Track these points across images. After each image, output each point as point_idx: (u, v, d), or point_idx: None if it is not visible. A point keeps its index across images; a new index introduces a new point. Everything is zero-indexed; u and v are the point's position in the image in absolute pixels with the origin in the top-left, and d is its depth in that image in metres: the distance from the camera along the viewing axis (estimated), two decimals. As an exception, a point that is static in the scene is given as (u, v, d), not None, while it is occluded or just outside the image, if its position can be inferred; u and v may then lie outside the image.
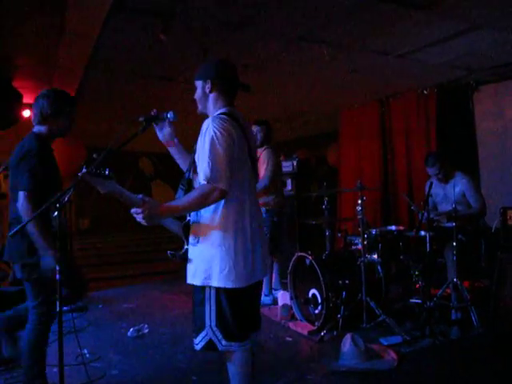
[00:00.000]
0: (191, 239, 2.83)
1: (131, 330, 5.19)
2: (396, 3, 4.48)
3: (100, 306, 6.56)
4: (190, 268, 2.83)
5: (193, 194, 2.66)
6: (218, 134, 2.63)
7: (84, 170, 2.60)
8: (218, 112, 2.82)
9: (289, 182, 7.80)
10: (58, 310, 2.71)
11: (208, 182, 2.60)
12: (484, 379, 3.80)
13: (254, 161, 2.97)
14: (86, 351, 4.55)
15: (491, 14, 4.75)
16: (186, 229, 2.87)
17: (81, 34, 5.24)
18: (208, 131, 2.66)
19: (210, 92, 2.87)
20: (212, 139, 2.63)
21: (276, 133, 11.75)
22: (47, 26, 5.07)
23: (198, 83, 2.93)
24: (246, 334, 2.90)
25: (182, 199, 2.75)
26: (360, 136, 8.92)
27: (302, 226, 7.73)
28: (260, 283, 3.03)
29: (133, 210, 2.58)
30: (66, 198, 2.77)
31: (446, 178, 5.61)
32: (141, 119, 2.91)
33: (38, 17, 4.84)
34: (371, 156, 8.65)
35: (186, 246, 2.88)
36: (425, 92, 7.60)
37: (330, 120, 9.53)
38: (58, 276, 3.15)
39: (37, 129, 3.51)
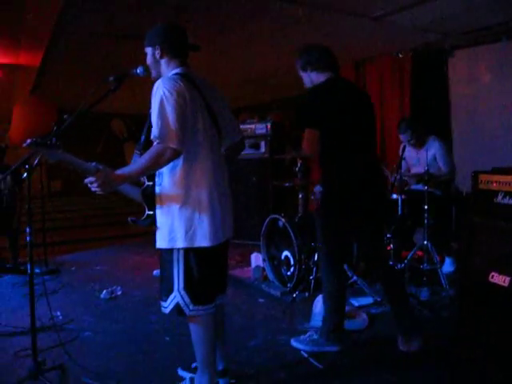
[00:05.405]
0: (154, 203, 2.82)
1: (104, 291, 5.20)
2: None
3: (73, 268, 6.54)
4: (157, 232, 2.82)
5: (145, 157, 2.60)
6: (168, 93, 2.59)
7: (28, 141, 2.53)
8: (171, 73, 2.79)
9: (262, 144, 7.74)
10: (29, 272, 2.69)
11: (159, 143, 2.56)
12: (452, 339, 3.89)
13: (217, 119, 2.89)
14: (58, 313, 4.54)
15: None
16: (146, 194, 2.85)
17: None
18: (158, 92, 2.62)
19: (161, 57, 2.85)
20: (161, 99, 2.59)
21: (249, 95, 11.73)
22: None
23: (148, 50, 2.89)
24: (213, 297, 2.91)
25: (135, 164, 2.70)
26: (335, 99, 8.83)
27: (276, 189, 7.71)
28: (227, 243, 3.02)
29: (87, 180, 2.51)
30: (36, 161, 2.72)
31: (419, 144, 5.57)
32: (111, 78, 2.86)
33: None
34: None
35: (147, 212, 2.85)
36: (400, 55, 7.57)
37: (305, 83, 9.44)
38: (28, 238, 3.14)
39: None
